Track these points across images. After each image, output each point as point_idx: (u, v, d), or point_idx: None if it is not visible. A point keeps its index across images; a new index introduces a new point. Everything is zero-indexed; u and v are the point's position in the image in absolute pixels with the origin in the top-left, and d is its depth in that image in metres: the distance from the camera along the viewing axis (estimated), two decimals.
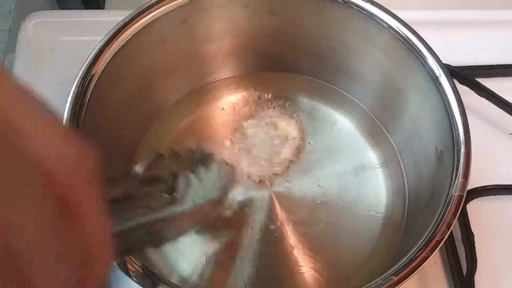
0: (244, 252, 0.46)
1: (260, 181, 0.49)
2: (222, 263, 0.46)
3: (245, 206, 0.48)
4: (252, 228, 0.47)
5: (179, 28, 0.48)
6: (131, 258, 0.35)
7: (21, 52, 0.57)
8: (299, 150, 0.51)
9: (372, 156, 0.52)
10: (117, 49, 0.43)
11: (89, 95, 0.41)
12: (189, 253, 0.46)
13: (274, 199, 0.49)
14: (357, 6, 0.46)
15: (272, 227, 0.47)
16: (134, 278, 0.35)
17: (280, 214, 0.48)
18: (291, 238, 0.47)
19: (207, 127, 0.53)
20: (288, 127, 0.52)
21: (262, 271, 0.46)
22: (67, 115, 0.40)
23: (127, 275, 0.35)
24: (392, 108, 0.51)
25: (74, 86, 0.41)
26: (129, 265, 0.35)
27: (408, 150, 0.51)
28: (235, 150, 0.51)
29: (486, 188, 0.50)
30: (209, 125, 0.53)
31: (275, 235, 0.47)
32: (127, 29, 0.44)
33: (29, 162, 0.19)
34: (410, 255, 0.37)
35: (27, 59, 0.56)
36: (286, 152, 0.50)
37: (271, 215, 0.48)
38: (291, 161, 0.51)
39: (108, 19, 0.46)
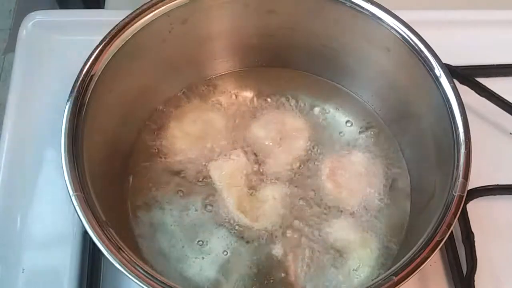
0: None
1: None
2: None
3: None
4: None
5: (179, 28, 0.48)
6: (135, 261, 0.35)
7: (21, 51, 0.57)
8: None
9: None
10: (117, 49, 0.43)
11: (89, 95, 0.41)
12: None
13: None
14: (358, 5, 0.46)
15: None
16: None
17: None
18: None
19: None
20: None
21: None
22: (67, 115, 0.40)
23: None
24: (393, 107, 0.52)
25: (74, 86, 0.41)
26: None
27: (409, 149, 0.51)
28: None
29: (486, 188, 0.50)
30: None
31: None
32: (127, 29, 0.44)
33: None
34: (410, 255, 0.37)
35: (27, 58, 0.56)
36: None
37: None
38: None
39: (108, 19, 0.46)
